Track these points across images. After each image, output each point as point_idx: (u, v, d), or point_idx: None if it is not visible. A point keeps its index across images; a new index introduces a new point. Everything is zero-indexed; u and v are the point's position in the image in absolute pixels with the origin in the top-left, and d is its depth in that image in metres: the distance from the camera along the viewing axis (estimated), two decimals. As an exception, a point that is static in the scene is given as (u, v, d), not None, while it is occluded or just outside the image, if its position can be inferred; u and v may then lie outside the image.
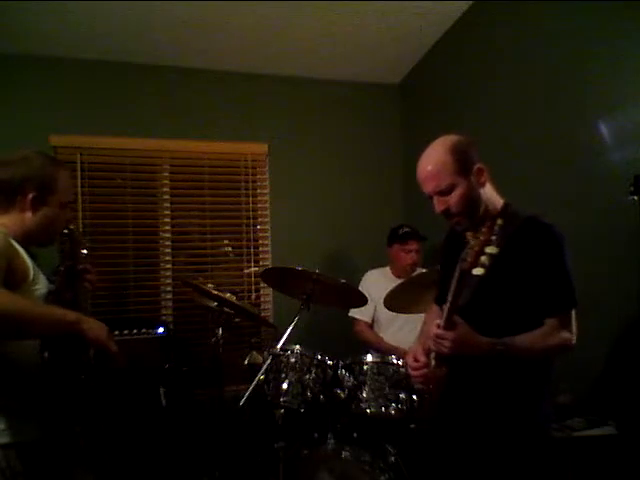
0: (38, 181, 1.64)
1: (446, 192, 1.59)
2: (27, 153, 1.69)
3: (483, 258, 1.40)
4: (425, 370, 1.64)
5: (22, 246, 1.60)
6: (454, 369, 1.57)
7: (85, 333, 1.51)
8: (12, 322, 1.38)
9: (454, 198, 1.58)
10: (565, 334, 1.52)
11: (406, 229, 3.31)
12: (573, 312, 1.55)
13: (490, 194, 1.64)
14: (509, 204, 1.66)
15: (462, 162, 1.58)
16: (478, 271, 1.40)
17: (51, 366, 1.58)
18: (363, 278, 3.42)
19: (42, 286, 1.61)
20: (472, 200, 1.59)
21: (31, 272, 1.57)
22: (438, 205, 1.62)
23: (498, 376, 1.54)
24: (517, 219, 1.59)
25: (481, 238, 1.48)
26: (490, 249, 1.43)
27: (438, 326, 1.49)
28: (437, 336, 1.49)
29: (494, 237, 1.55)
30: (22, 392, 1.54)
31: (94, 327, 1.54)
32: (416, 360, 1.67)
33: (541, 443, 1.56)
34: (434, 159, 1.61)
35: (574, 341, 1.54)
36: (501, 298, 1.55)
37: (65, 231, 1.84)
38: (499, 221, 1.59)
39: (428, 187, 1.62)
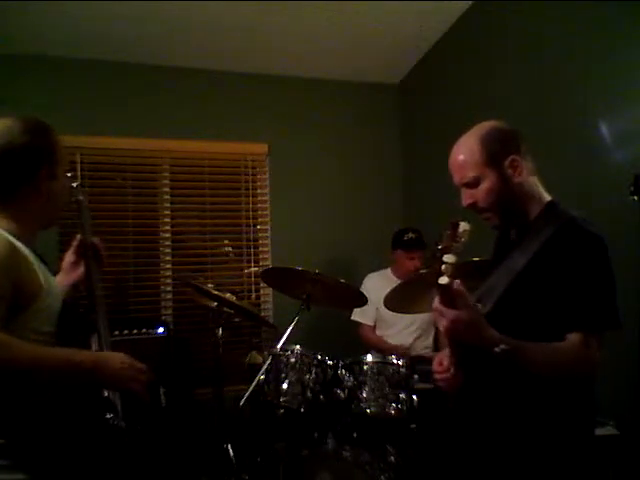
0: (44, 152, 1.38)
1: (472, 185, 1.47)
2: (7, 122, 1.36)
3: (444, 267, 1.24)
4: (447, 375, 1.48)
5: (29, 244, 1.32)
6: (469, 378, 1.44)
7: (103, 382, 1.25)
8: (16, 379, 1.11)
9: (481, 192, 1.46)
10: (583, 355, 1.31)
11: (411, 235, 3.24)
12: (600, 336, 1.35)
13: (530, 189, 1.48)
14: (553, 203, 1.49)
15: (492, 152, 1.44)
16: (443, 280, 1.24)
17: (67, 427, 1.29)
18: (363, 282, 3.41)
19: (56, 298, 1.35)
20: (502, 195, 1.45)
21: (43, 284, 1.29)
22: (465, 198, 1.50)
23: (515, 392, 1.37)
24: (556, 221, 1.41)
25: (440, 247, 1.28)
26: (448, 258, 1.24)
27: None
28: (437, 310, 1.31)
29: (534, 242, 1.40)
30: (31, 449, 1.25)
31: (111, 368, 1.25)
32: (440, 364, 1.51)
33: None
34: (463, 147, 1.49)
35: (590, 368, 1.35)
36: (526, 309, 1.39)
37: (72, 199, 1.58)
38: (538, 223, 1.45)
39: (455, 178, 1.51)
